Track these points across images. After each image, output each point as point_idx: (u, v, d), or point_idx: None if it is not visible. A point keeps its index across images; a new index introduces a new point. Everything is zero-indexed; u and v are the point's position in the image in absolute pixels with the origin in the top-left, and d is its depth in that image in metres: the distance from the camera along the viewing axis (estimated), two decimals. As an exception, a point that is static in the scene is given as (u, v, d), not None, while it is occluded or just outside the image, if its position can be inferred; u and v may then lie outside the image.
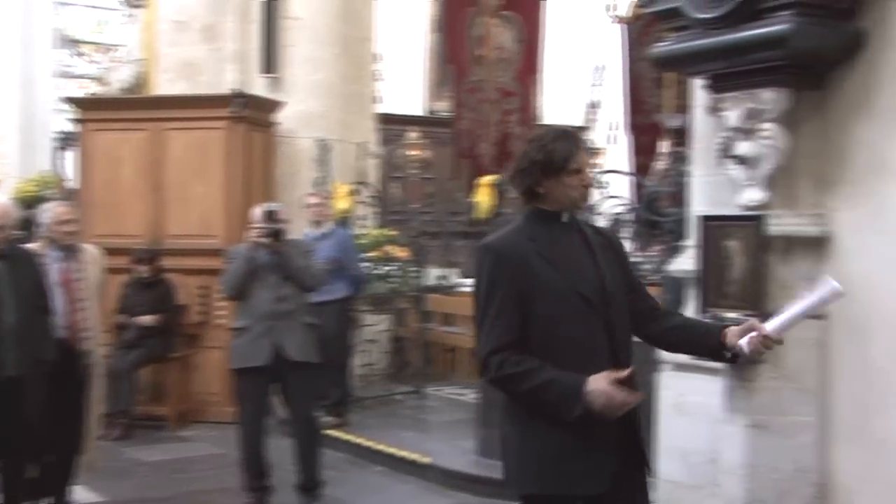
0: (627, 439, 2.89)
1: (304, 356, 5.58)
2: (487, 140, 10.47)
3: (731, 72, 4.17)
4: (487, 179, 7.06)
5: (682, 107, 6.58)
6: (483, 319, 2.82)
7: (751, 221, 4.24)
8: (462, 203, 10.28)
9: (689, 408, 4.75)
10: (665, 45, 4.44)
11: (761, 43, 3.95)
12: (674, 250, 5.44)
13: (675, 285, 5.39)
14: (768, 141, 4.11)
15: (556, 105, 15.21)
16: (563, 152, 2.85)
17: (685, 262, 4.73)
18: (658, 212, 6.46)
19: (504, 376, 2.78)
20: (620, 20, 10.52)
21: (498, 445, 3.01)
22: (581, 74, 15.50)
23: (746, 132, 4.20)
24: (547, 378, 2.74)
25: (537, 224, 2.90)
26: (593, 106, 15.59)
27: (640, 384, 5.35)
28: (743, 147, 4.21)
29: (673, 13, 4.29)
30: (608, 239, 3.05)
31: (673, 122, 6.38)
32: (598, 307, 2.84)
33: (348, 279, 7.53)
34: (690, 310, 4.63)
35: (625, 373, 2.72)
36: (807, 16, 3.86)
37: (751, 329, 2.85)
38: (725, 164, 4.37)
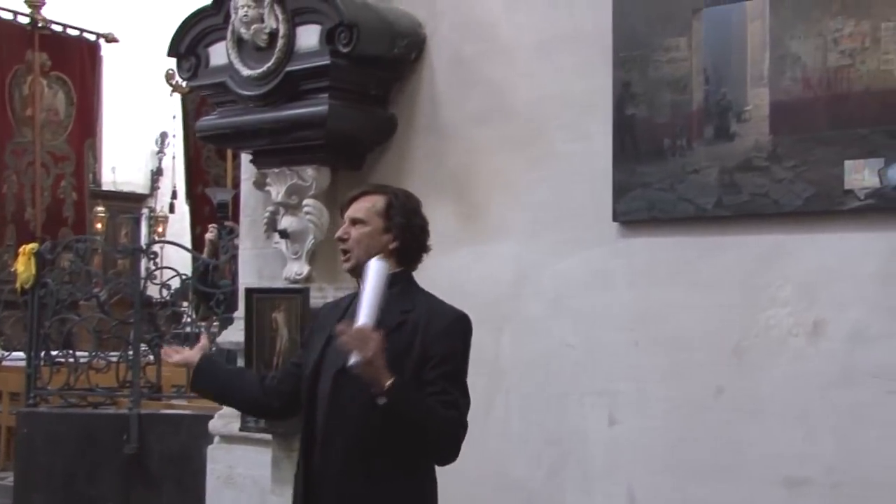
0: None
1: None
2: (37, 205, 9.74)
3: (275, 148, 4.22)
4: (28, 248, 6.55)
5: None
6: None
7: (295, 294, 4.27)
8: (9, 271, 9.46)
9: (238, 480, 4.66)
10: (209, 120, 4.40)
11: (301, 122, 4.03)
12: (226, 322, 5.37)
13: (230, 356, 5.32)
14: (310, 217, 4.19)
15: (119, 171, 14.68)
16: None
17: (235, 333, 4.66)
18: (212, 283, 6.38)
19: None
20: (176, 89, 10.33)
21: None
22: (146, 140, 15.14)
23: (290, 207, 4.25)
24: None
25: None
26: (156, 173, 15.28)
27: (192, 458, 5.33)
28: (287, 222, 4.26)
29: (219, 88, 4.26)
30: (418, 319, 2.55)
31: (220, 196, 6.38)
32: (309, 384, 2.62)
33: None
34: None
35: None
36: (342, 99, 4.00)
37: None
38: (272, 238, 4.38)
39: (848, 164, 3.13)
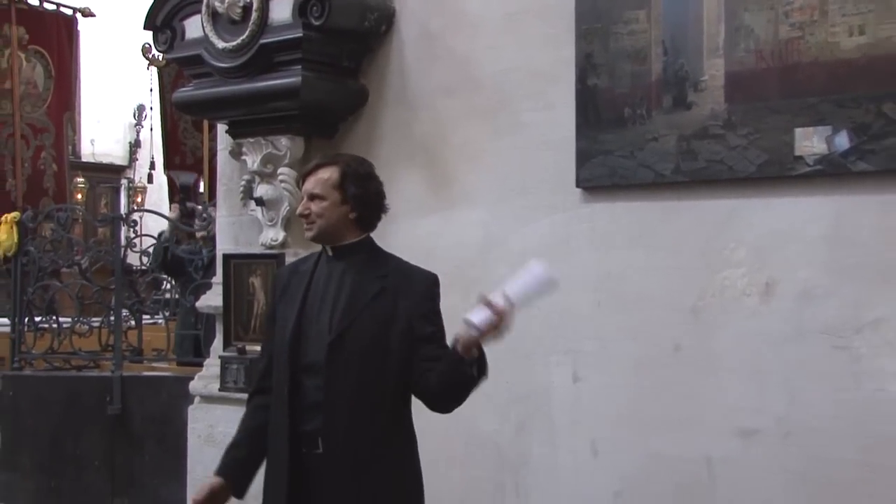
0: None
1: None
2: (17, 176, 9.63)
3: (250, 119, 4.21)
4: (10, 216, 6.51)
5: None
6: None
7: (271, 259, 4.30)
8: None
9: (218, 438, 4.68)
10: (186, 91, 4.38)
11: (275, 93, 4.03)
12: (205, 287, 5.38)
13: (208, 320, 5.34)
14: (285, 184, 4.20)
15: (98, 142, 14.52)
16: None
17: (214, 298, 4.67)
18: (190, 251, 6.37)
19: None
20: (152, 63, 10.22)
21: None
22: (124, 113, 14.98)
23: (266, 176, 4.25)
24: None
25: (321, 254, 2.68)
26: (134, 145, 15.14)
27: (173, 418, 5.35)
28: (262, 189, 4.26)
29: (194, 60, 4.24)
30: (396, 284, 2.59)
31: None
32: (289, 352, 2.58)
33: None
34: (218, 344, 4.60)
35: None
36: (315, 70, 4.00)
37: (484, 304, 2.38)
38: (249, 206, 4.39)
39: (798, 131, 3.18)
